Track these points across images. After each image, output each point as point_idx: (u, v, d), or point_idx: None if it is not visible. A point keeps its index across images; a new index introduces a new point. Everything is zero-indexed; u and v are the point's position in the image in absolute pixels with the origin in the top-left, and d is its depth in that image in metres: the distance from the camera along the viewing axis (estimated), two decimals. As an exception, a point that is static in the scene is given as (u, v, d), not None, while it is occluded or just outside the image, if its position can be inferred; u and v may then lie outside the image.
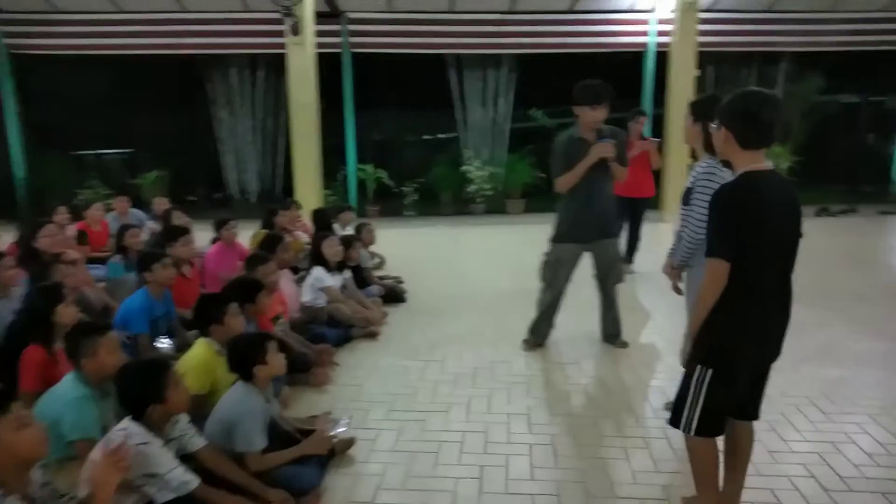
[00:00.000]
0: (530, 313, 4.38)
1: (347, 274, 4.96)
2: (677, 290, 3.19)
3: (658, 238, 7.49)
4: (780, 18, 11.15)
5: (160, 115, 12.48)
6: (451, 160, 12.05)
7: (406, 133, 13.97)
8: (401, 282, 5.84)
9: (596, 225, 4.05)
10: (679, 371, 2.30)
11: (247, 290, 3.41)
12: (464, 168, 11.63)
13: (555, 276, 4.15)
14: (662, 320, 4.94)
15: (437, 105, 12.45)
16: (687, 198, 2.98)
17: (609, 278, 4.27)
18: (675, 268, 3.12)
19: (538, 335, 4.35)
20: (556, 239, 4.12)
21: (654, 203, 8.06)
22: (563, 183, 3.94)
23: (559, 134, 4.07)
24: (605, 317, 4.41)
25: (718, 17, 10.85)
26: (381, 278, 5.84)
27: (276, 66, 11.14)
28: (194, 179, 13.32)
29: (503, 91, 12.10)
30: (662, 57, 10.60)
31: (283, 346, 3.63)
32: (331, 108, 11.32)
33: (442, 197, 11.78)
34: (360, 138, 11.84)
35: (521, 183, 11.55)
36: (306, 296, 4.55)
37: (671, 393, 2.65)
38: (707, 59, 11.15)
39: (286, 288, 4.26)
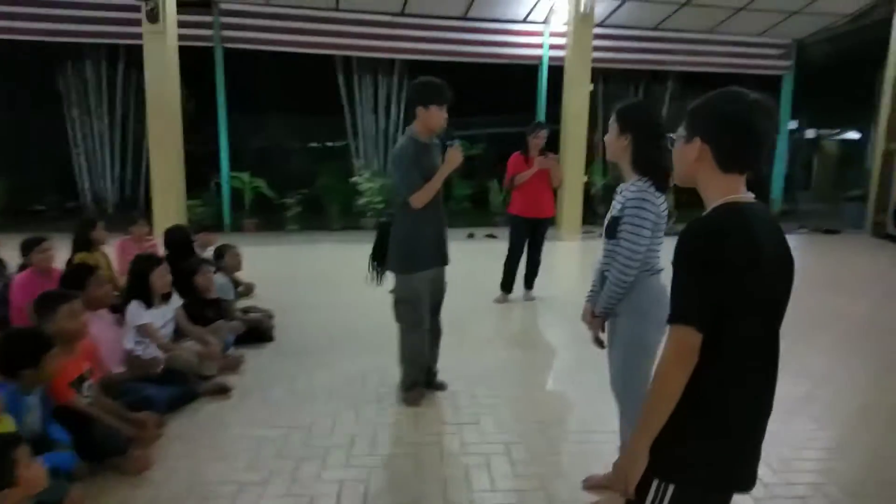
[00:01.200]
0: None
1: (176, 303, 3.95)
2: (599, 343, 2.61)
3: (555, 260, 7.01)
4: (667, 37, 11.34)
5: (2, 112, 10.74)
6: (339, 170, 11.22)
7: (290, 140, 12.95)
8: (270, 315, 4.95)
9: (444, 245, 3.53)
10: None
11: (23, 350, 2.46)
12: (353, 179, 10.82)
13: (418, 315, 3.44)
14: (565, 351, 4.41)
15: (325, 110, 11.58)
16: (612, 229, 2.40)
17: (438, 308, 3.67)
18: (598, 315, 2.54)
19: (415, 391, 3.58)
20: (412, 267, 3.39)
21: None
22: (422, 197, 3.29)
23: (399, 141, 3.46)
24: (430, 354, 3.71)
25: (610, 32, 10.84)
26: (246, 311, 4.92)
27: (137, 58, 9.82)
28: (43, 186, 11.64)
29: (396, 98, 11.45)
30: (557, 71, 10.37)
31: (88, 421, 2.72)
32: (205, 109, 10.17)
33: (329, 210, 10.89)
34: (237, 144, 10.74)
35: (412, 196, 10.89)
36: (130, 342, 3.57)
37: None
38: (597, 75, 11.09)
39: (102, 334, 3.27)
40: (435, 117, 3.31)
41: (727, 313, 1.40)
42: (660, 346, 2.46)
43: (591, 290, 2.66)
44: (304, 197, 10.76)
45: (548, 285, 6.17)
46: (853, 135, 16.19)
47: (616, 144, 2.45)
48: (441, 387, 3.74)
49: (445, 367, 3.84)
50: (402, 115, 11.38)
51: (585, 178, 10.10)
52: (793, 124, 13.65)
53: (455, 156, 3.33)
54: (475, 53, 10.62)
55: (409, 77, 11.36)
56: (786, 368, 1.53)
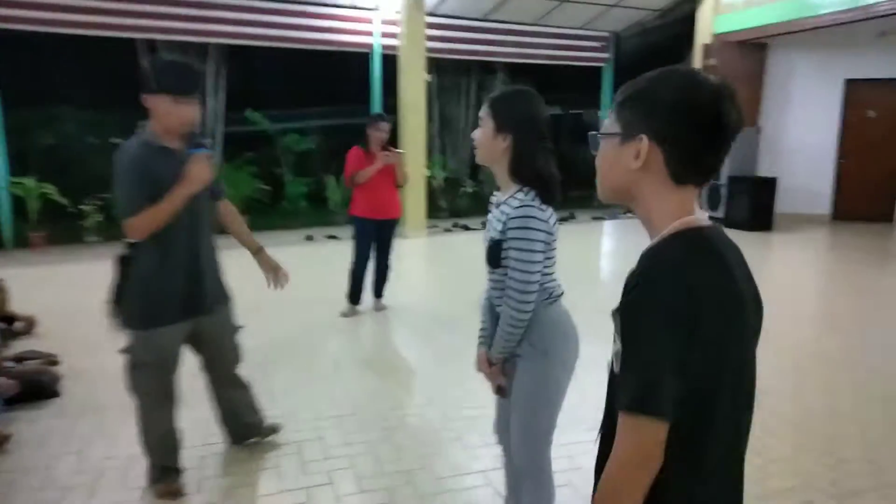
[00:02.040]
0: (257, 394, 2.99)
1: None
2: (500, 392, 2.12)
3: (403, 261, 6.56)
4: (497, 28, 11.32)
5: None
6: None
7: (87, 136, 11.14)
8: (54, 361, 3.90)
9: (206, 286, 2.58)
10: None
11: None
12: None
13: (163, 384, 2.56)
14: (427, 374, 3.93)
15: (129, 103, 10.00)
16: (495, 256, 1.92)
17: (227, 360, 2.83)
18: (496, 362, 2.05)
19: (167, 482, 2.62)
20: (151, 320, 2.46)
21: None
22: (144, 224, 2.33)
23: (125, 143, 2.44)
24: (236, 414, 2.92)
25: (442, 21, 10.58)
26: (20, 359, 3.83)
27: None
28: None
29: (212, 88, 10.23)
30: (391, 60, 9.88)
31: None
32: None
33: (138, 216, 9.43)
34: (17, 144, 8.94)
35: (239, 196, 9.80)
36: None
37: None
38: (430, 65, 10.78)
39: None
40: (177, 113, 2.37)
41: (702, 390, 0.96)
42: (565, 389, 2.06)
43: (482, 331, 2.18)
44: (106, 202, 9.22)
45: (399, 291, 5.67)
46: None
47: (491, 146, 1.96)
48: (271, 431, 3.04)
49: (282, 408, 3.19)
50: (221, 108, 10.24)
51: (428, 172, 9.73)
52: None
53: (198, 169, 2.35)
54: (300, 39, 9.77)
55: (228, 66, 10.24)
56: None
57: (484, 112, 1.96)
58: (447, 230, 9.75)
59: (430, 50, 9.83)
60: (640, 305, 0.95)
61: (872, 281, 6.77)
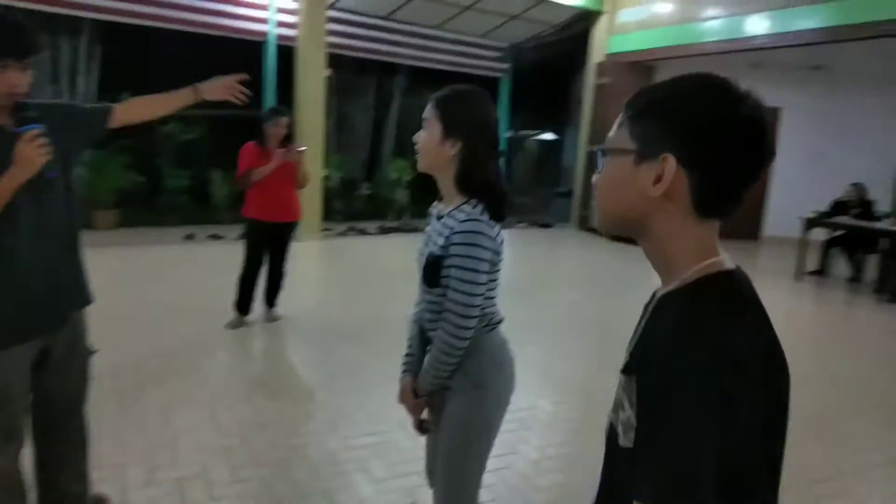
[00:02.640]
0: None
1: None
2: (421, 429, 1.87)
3: (297, 266, 6.17)
4: (400, 29, 11.10)
5: None
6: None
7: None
8: None
9: (60, 294, 2.06)
10: None
11: None
12: None
13: (8, 421, 1.97)
14: (324, 389, 3.61)
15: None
16: (434, 274, 1.68)
17: (69, 396, 2.19)
18: (423, 395, 1.80)
19: None
20: None
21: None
22: None
23: None
24: (55, 479, 2.23)
25: (343, 17, 10.20)
26: None
27: None
28: None
29: (83, 67, 9.21)
30: (288, 53, 9.35)
31: None
32: None
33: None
34: None
35: (112, 188, 8.87)
36: None
37: None
38: (329, 61, 10.37)
39: None
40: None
41: (744, 467, 0.77)
42: (498, 427, 1.85)
43: (407, 357, 1.91)
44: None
45: (293, 300, 5.27)
46: (549, 136, 18.22)
47: (437, 152, 1.71)
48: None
49: (157, 439, 2.75)
50: (93, 90, 9.24)
51: (325, 172, 9.29)
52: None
53: (28, 151, 1.82)
54: (186, 21, 9.00)
55: (103, 45, 9.26)
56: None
57: (430, 113, 1.71)
58: (342, 234, 9.36)
59: (330, 45, 9.42)
60: (675, 377, 0.74)
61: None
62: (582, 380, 4.09)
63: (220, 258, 7.12)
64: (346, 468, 2.86)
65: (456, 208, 1.69)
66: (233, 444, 3.01)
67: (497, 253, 1.68)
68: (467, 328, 1.65)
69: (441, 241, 1.67)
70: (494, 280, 1.72)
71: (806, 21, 7.91)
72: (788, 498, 1.35)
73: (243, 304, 4.77)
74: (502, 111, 12.80)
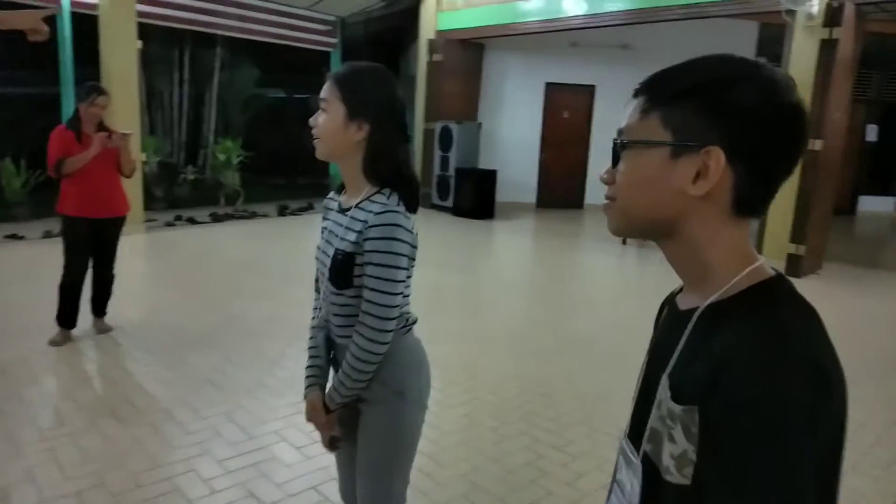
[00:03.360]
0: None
1: None
2: (331, 447, 1.69)
3: (122, 265, 5.54)
4: (217, -2, 10.19)
5: None
6: None
7: None
8: None
9: None
10: None
11: None
12: None
13: None
14: (183, 406, 3.21)
15: None
16: (345, 272, 1.52)
17: None
18: (334, 410, 1.61)
19: None
20: None
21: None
22: None
23: None
24: None
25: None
26: None
27: None
28: None
29: None
30: (88, 21, 8.14)
31: None
32: None
33: None
34: None
35: None
36: None
37: None
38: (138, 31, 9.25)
39: None
40: None
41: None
42: (420, 432, 1.73)
43: (311, 370, 1.70)
44: None
45: (125, 306, 4.65)
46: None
47: (341, 137, 1.52)
48: None
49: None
50: None
51: (143, 157, 8.29)
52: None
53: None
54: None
55: None
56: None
57: (329, 93, 1.51)
58: (169, 224, 8.48)
59: (140, 14, 8.37)
60: (766, 402, 0.65)
61: (567, 258, 7.92)
62: (463, 362, 4.09)
63: (25, 263, 6.10)
64: (231, 497, 2.56)
65: (367, 199, 1.52)
66: (83, 486, 2.56)
67: (414, 247, 1.56)
68: (387, 331, 1.51)
69: (352, 237, 1.50)
70: (410, 276, 1.59)
71: (615, 3, 8.54)
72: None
73: (68, 317, 4.10)
74: (334, 87, 12.40)
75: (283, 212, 9.87)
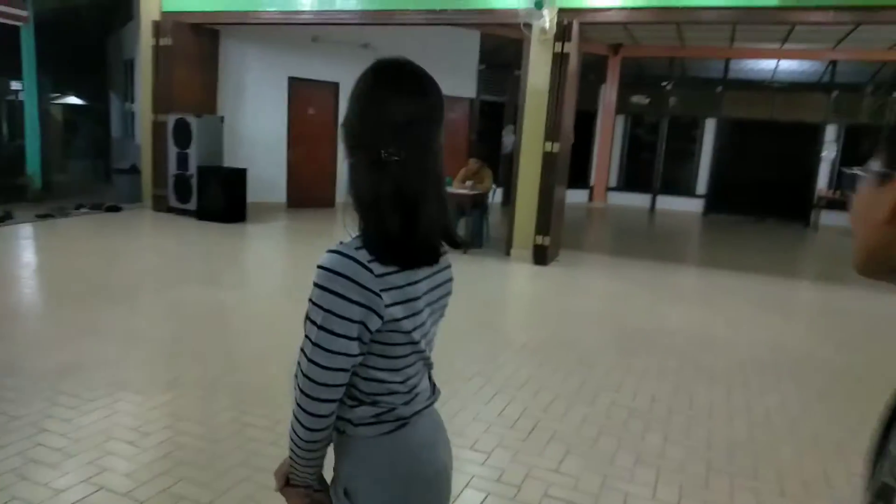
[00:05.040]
0: None
1: None
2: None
3: None
4: None
5: None
6: None
7: None
8: None
9: None
10: None
11: None
12: None
13: None
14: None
15: None
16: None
17: None
18: (298, 485, 1.27)
19: None
20: None
21: None
22: None
23: None
24: None
25: None
26: None
27: None
28: None
29: None
30: None
31: None
32: None
33: None
34: None
35: None
36: None
37: None
38: None
39: None
40: None
41: None
42: None
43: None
44: None
45: None
46: (75, 100, 15.36)
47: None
48: None
49: None
50: None
51: None
52: (18, 85, 11.81)
53: None
54: None
55: None
56: None
57: None
58: None
59: None
60: None
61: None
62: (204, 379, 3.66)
63: None
64: None
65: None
66: None
67: (375, 310, 1.10)
68: (312, 414, 1.15)
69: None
70: (395, 354, 1.18)
71: (348, 2, 8.56)
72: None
73: None
74: (28, 69, 10.22)
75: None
